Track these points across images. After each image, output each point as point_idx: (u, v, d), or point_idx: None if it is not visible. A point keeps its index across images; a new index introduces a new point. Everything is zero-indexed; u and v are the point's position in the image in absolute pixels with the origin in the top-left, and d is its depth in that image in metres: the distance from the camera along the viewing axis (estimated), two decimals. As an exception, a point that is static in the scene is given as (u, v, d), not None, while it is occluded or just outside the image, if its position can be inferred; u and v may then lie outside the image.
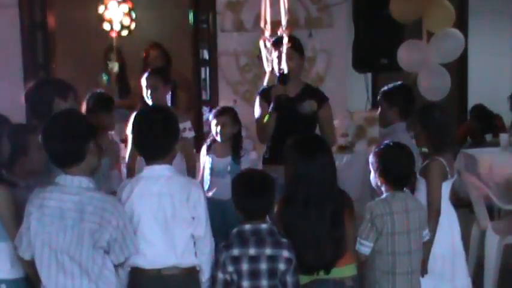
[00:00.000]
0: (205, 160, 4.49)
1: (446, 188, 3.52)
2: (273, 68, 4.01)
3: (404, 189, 3.27)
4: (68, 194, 2.69)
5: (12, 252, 2.86)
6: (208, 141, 4.51)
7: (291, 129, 3.81)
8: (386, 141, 3.36)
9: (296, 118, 4.05)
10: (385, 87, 4.22)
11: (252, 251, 2.83)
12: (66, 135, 2.72)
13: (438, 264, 3.44)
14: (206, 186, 4.40)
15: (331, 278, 2.97)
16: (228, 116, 4.41)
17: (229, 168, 4.34)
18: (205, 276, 2.90)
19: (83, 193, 2.69)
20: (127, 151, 4.47)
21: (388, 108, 4.14)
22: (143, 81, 4.46)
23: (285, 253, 2.84)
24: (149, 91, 4.41)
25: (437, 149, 3.53)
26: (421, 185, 3.50)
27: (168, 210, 2.82)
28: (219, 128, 4.37)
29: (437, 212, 3.41)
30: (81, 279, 2.66)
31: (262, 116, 4.14)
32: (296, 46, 4.16)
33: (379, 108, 4.24)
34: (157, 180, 2.86)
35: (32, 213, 2.69)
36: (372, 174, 3.31)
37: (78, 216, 2.65)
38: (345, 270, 3.02)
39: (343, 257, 3.01)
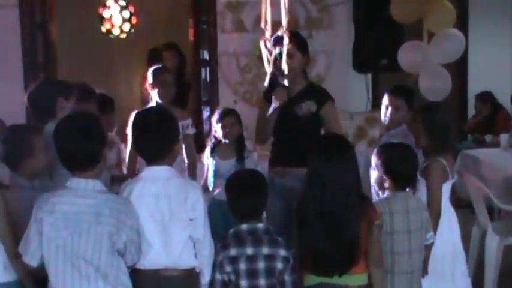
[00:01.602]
0: (209, 162, 4.47)
1: (446, 188, 3.51)
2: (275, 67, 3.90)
3: (407, 189, 3.26)
4: (81, 197, 2.65)
5: (4, 255, 2.83)
6: (212, 143, 4.48)
7: (290, 131, 3.85)
8: (390, 141, 3.36)
9: (295, 120, 3.86)
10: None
11: (249, 251, 2.83)
12: (86, 138, 2.67)
13: (438, 264, 3.43)
14: (210, 188, 4.39)
15: (337, 283, 2.93)
16: (233, 117, 4.40)
17: (233, 170, 4.21)
18: (205, 279, 2.88)
19: (98, 196, 2.67)
20: (127, 152, 4.43)
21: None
22: (151, 79, 4.34)
23: (282, 252, 2.84)
24: (159, 87, 4.31)
25: (438, 149, 3.52)
26: (421, 185, 3.50)
27: (166, 212, 2.81)
28: (226, 129, 4.35)
29: (437, 213, 3.40)
30: (96, 282, 2.62)
31: (260, 115, 4.01)
32: (298, 44, 3.93)
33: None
34: (155, 181, 2.83)
35: (44, 219, 2.63)
36: (375, 174, 3.30)
37: (94, 220, 2.61)
38: (353, 278, 2.94)
39: (357, 265, 2.92)
